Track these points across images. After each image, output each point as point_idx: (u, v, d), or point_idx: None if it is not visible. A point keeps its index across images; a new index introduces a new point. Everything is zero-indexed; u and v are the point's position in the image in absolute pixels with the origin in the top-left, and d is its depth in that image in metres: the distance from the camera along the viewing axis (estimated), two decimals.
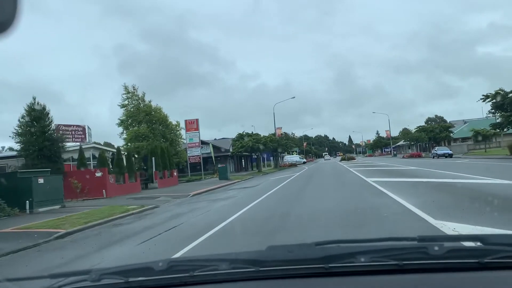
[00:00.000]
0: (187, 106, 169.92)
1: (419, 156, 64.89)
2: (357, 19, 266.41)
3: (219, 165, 37.73)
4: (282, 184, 24.35)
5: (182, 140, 54.51)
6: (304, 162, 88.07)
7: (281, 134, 66.75)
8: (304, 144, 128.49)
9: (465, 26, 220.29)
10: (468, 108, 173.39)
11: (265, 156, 79.43)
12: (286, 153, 73.47)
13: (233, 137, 52.37)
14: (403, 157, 66.82)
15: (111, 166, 26.99)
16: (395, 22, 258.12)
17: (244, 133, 51.74)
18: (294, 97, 65.88)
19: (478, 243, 1.58)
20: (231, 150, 53.39)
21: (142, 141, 47.75)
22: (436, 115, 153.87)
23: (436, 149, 53.79)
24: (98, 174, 24.24)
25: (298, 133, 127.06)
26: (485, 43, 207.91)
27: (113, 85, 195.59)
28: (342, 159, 70.13)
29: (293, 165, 71.10)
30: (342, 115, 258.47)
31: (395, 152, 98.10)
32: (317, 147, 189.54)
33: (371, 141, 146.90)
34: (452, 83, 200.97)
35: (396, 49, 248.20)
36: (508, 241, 1.58)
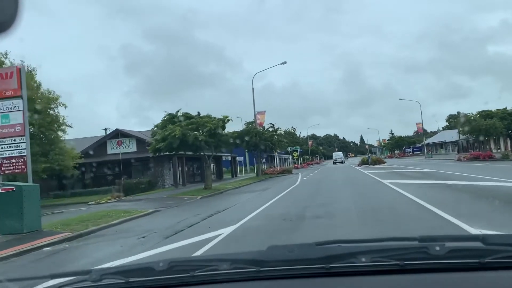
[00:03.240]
0: (194, 107, 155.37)
1: (490, 157, 38.00)
2: (365, 19, 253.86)
3: None
4: None
5: (68, 126, 28.96)
6: (342, 162, 78.27)
7: (263, 124, 40.28)
8: (310, 142, 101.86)
9: (476, 25, 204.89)
10: (480, 108, 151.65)
11: (261, 155, 53.28)
12: (275, 152, 47.18)
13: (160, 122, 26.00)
14: (460, 159, 40.07)
15: None
16: (404, 22, 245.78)
17: (179, 114, 25.60)
18: (285, 62, 39.82)
19: (479, 243, 1.54)
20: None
21: None
22: (458, 112, 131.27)
23: None
24: None
25: (306, 133, 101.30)
26: (497, 42, 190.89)
27: (120, 86, 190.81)
28: (364, 163, 43.50)
29: (286, 171, 44.85)
30: (352, 115, 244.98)
31: (429, 152, 71.09)
32: (325, 147, 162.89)
33: (386, 141, 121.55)
34: (463, 83, 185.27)
35: (406, 49, 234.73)
36: (509, 241, 1.57)
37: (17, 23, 1.13)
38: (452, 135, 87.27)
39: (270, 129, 41.70)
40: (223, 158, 44.54)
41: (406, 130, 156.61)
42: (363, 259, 1.46)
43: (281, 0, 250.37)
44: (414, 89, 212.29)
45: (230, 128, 39.05)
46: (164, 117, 25.64)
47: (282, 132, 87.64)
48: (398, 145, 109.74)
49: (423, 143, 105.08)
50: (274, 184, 26.84)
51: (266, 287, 1.52)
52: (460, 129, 41.35)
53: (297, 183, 24.97)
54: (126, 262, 6.96)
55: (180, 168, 34.19)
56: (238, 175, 50.73)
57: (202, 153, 26.01)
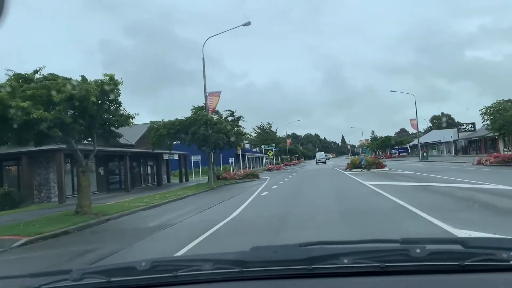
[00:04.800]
0: (174, 104, 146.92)
1: None
2: (347, 20, 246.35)
3: None
4: None
5: None
6: (325, 162, 74.58)
7: (215, 109, 28.07)
8: (288, 141, 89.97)
9: (455, 30, 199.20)
10: (458, 112, 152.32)
11: (215, 153, 41.26)
12: (238, 149, 35.04)
13: None
14: (482, 163, 28.58)
15: None
16: (385, 24, 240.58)
17: (37, 76, 13.09)
18: (249, 23, 27.70)
19: (459, 246, 1.56)
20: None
21: None
22: (442, 113, 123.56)
23: None
24: None
25: (285, 131, 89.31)
26: (475, 47, 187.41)
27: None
28: (355, 166, 31.52)
29: (251, 175, 32.75)
30: (333, 115, 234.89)
31: (424, 153, 60.05)
32: (306, 147, 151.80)
33: (369, 141, 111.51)
34: (442, 86, 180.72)
35: (386, 51, 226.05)
36: (487, 245, 1.58)
37: (2, 22, 1.02)
38: (444, 135, 77.18)
39: (229, 118, 29.62)
40: (165, 156, 32.08)
41: (387, 132, 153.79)
42: (345, 261, 1.44)
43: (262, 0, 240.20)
44: (394, 91, 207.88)
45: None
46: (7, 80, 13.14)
47: (257, 129, 75.38)
48: (383, 146, 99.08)
49: (412, 143, 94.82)
50: (207, 205, 14.76)
51: (248, 287, 1.49)
52: (487, 122, 29.54)
53: (242, 207, 12.74)
54: None
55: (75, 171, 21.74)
56: (193, 179, 38.54)
57: (66, 147, 13.63)
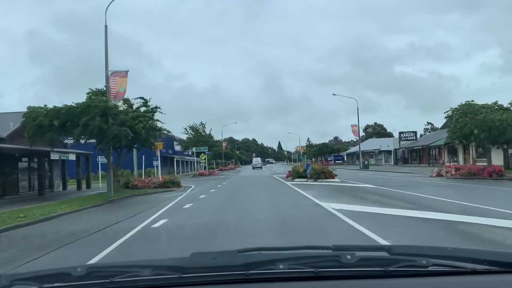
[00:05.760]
0: None
1: (501, 174, 22.16)
2: (285, 30, 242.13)
3: None
4: None
5: None
6: (261, 168, 75.54)
7: (123, 96, 20.68)
8: (224, 144, 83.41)
9: (385, 45, 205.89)
10: (388, 122, 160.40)
11: (114, 153, 33.45)
12: (155, 150, 27.64)
13: None
14: (441, 175, 23.96)
15: None
16: (321, 36, 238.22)
17: None
18: None
19: (385, 253, 1.60)
20: None
21: None
22: (375, 123, 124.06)
23: None
24: None
25: (221, 134, 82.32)
26: (403, 63, 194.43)
27: (23, 74, 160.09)
28: (298, 175, 25.60)
29: (170, 183, 25.58)
30: (270, 122, 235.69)
31: (365, 162, 56.17)
32: (243, 152, 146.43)
33: (305, 148, 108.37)
34: (373, 98, 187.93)
35: (322, 62, 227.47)
36: (409, 252, 1.62)
37: None
38: (381, 144, 74.92)
39: (142, 109, 22.39)
40: (54, 156, 23.97)
41: (322, 139, 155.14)
42: (281, 266, 1.45)
43: (203, 1, 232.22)
44: (329, 101, 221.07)
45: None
46: None
47: (189, 129, 67.74)
48: (321, 152, 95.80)
49: (349, 151, 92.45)
50: (55, 244, 7.71)
51: None
52: (452, 127, 24.73)
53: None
54: None
55: None
56: (99, 185, 30.60)
57: None
